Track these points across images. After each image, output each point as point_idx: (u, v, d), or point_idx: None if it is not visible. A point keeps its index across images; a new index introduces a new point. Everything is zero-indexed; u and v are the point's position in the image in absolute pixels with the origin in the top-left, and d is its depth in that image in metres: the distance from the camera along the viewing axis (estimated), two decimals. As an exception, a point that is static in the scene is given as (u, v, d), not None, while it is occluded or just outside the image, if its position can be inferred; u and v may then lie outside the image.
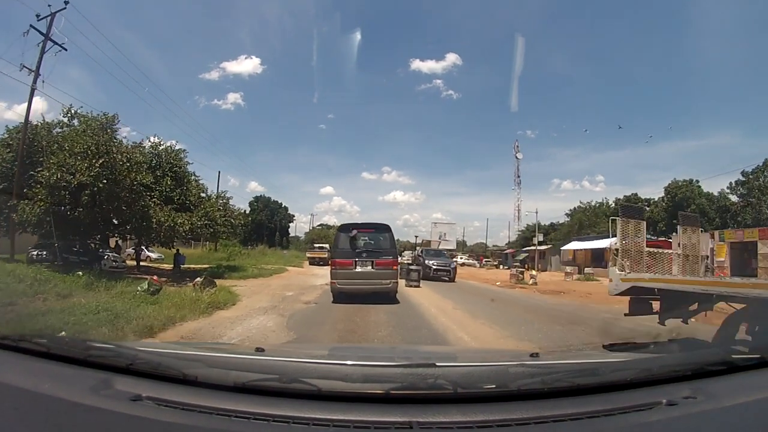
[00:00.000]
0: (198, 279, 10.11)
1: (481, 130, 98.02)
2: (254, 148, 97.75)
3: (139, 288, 9.01)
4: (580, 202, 50.81)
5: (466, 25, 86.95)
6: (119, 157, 13.18)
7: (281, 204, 67.28)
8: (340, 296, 9.55)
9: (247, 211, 64.35)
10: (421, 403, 1.07)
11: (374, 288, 9.24)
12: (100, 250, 17.15)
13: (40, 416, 1.00)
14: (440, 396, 1.10)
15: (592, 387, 1.19)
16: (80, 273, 11.22)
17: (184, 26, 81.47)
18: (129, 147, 14.69)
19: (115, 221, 14.70)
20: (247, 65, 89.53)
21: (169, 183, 16.54)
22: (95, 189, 12.71)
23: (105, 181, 12.85)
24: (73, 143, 12.81)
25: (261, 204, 65.52)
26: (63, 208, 13.12)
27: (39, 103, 22.99)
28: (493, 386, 1.15)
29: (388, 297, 9.74)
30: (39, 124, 15.26)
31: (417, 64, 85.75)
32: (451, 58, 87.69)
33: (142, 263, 20.64)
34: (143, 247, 21.00)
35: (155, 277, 9.42)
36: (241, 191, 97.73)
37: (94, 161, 12.55)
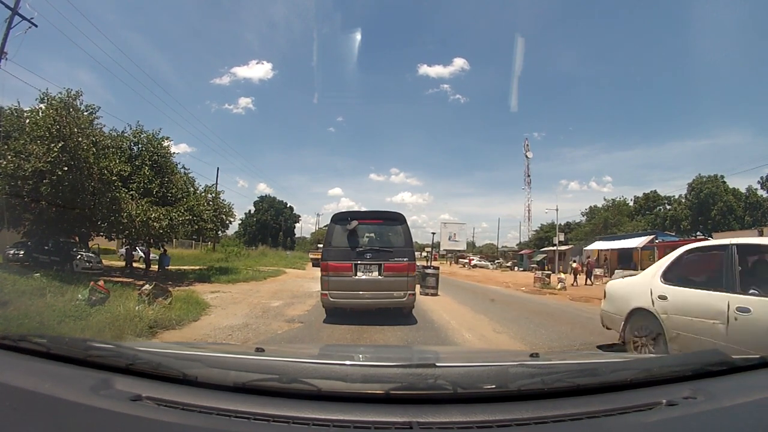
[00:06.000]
0: (146, 286, 7.72)
1: (489, 132, 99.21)
2: (264, 151, 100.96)
3: (80, 296, 7.43)
4: (605, 200, 48.09)
5: (474, 31, 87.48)
6: (83, 141, 11.00)
7: (286, 204, 65.98)
8: (335, 313, 6.91)
9: (252, 211, 63.28)
10: (421, 403, 1.09)
11: (382, 302, 6.85)
12: (74, 249, 15.13)
13: (40, 416, 1.02)
14: (440, 396, 1.12)
15: (592, 387, 1.21)
16: (38, 275, 10.17)
17: (198, 34, 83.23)
18: (97, 130, 12.49)
19: (82, 215, 12.63)
20: (258, 70, 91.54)
21: (147, 173, 14.25)
22: (54, 177, 10.59)
23: (66, 168, 10.72)
24: (34, 126, 10.91)
25: (266, 204, 64.03)
26: (24, 200, 12.19)
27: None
28: (493, 386, 1.17)
29: (402, 314, 7.04)
30: (8, 109, 13.22)
31: (425, 69, 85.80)
32: (459, 62, 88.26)
33: (133, 264, 18.59)
34: (137, 248, 18.98)
35: (101, 283, 7.12)
36: (249, 193, 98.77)
37: (52, 145, 10.52)
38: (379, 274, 7.02)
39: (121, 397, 1.07)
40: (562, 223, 46.48)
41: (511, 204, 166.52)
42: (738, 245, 3.86)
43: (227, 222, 20.28)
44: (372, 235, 7.49)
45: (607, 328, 5.37)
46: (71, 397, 1.06)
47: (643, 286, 4.64)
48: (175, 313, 6.93)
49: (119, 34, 69.25)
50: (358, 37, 65.30)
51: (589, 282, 21.63)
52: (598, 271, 23.71)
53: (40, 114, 11.98)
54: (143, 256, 20.81)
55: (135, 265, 19.76)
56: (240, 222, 59.97)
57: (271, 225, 63.79)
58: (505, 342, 6.39)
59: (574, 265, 23.57)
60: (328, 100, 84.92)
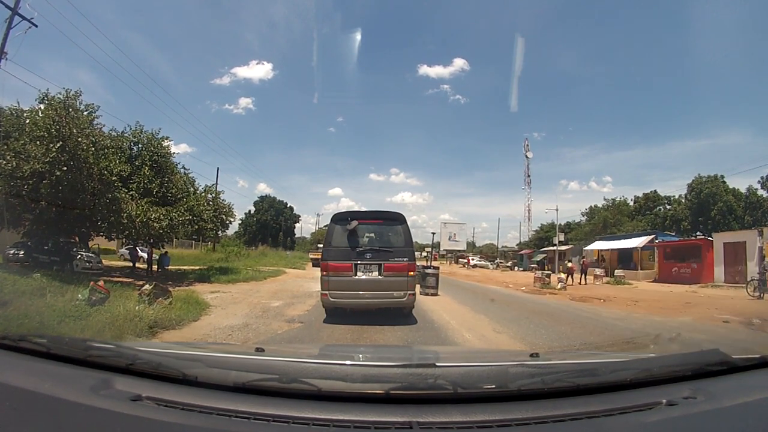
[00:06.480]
0: (146, 286, 7.73)
1: (489, 132, 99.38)
2: (264, 151, 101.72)
3: (80, 296, 7.44)
4: (605, 199, 48.08)
5: (474, 31, 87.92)
6: (83, 141, 11.00)
7: (286, 204, 66.08)
8: (335, 313, 6.91)
9: (252, 211, 63.34)
10: (421, 403, 1.09)
11: (382, 302, 6.83)
12: (74, 249, 15.14)
13: (40, 416, 1.02)
14: (440, 396, 1.12)
15: (592, 387, 1.21)
16: (38, 275, 10.23)
17: (198, 34, 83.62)
18: (97, 130, 12.50)
19: (82, 215, 12.63)
20: (258, 70, 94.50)
21: (147, 173, 14.25)
22: (53, 178, 10.59)
23: (65, 169, 10.72)
24: (34, 127, 10.93)
25: (266, 204, 64.00)
26: (24, 200, 12.24)
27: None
28: (493, 386, 1.17)
29: (402, 314, 7.04)
30: (8, 109, 13.24)
31: (425, 69, 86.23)
32: (459, 63, 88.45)
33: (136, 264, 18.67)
34: (137, 248, 18.98)
35: (101, 283, 7.12)
36: (249, 193, 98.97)
37: (51, 146, 10.49)
38: (379, 274, 7.01)
39: (121, 397, 1.08)
40: (562, 223, 46.43)
41: (511, 204, 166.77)
42: None
43: (227, 222, 20.27)
44: (372, 235, 7.47)
45: None
46: (71, 397, 1.06)
47: None
48: (175, 313, 6.93)
49: (119, 34, 69.24)
50: (358, 37, 65.31)
51: (583, 282, 21.84)
52: (598, 271, 23.77)
53: (40, 114, 11.98)
54: (143, 256, 20.84)
55: (138, 265, 19.80)
56: (240, 222, 60.05)
57: (271, 225, 63.74)
58: (505, 342, 6.40)
59: (569, 264, 23.92)
60: (328, 100, 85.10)
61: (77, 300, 7.13)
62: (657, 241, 27.92)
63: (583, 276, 22.50)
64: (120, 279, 13.30)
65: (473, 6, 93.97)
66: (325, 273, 7.01)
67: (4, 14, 13.90)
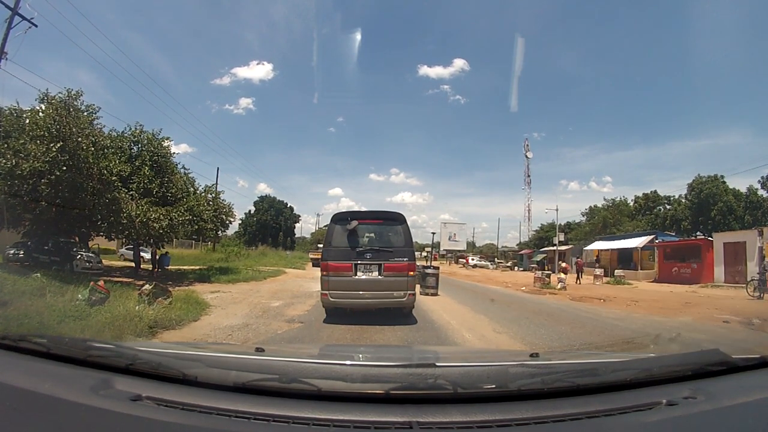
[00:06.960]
0: (146, 286, 7.72)
1: (489, 132, 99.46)
2: (264, 151, 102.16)
3: (80, 296, 7.47)
4: (604, 200, 48.10)
5: (474, 32, 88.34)
6: (83, 141, 11.01)
7: (286, 204, 66.09)
8: (335, 313, 6.91)
9: (252, 211, 63.36)
10: (421, 403, 1.10)
11: (382, 302, 6.81)
12: (74, 249, 15.16)
13: (40, 416, 1.02)
14: (440, 396, 1.13)
15: (592, 387, 1.21)
16: (38, 275, 10.16)
17: (198, 34, 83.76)
18: (97, 130, 12.49)
19: (82, 215, 12.63)
20: (258, 71, 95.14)
21: (147, 173, 14.25)
22: (52, 177, 10.59)
23: (65, 168, 10.73)
24: (34, 126, 10.94)
25: (266, 204, 64.01)
26: (24, 200, 12.21)
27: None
28: (493, 386, 1.17)
29: (402, 314, 7.04)
30: (8, 109, 13.24)
31: (425, 70, 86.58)
32: (459, 63, 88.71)
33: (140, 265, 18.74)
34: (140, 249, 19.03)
35: (101, 283, 7.12)
36: (249, 193, 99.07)
37: (51, 145, 10.49)
38: (379, 274, 7.01)
39: (121, 397, 1.08)
40: (562, 223, 46.40)
41: (511, 204, 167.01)
42: None
43: (227, 222, 20.25)
44: (372, 235, 7.46)
45: None
46: (71, 397, 1.06)
47: None
48: (175, 313, 6.93)
49: (119, 34, 69.28)
50: (358, 37, 65.34)
51: (578, 281, 22.05)
52: (597, 271, 23.80)
53: (41, 114, 11.98)
54: (144, 257, 20.81)
55: (142, 266, 19.81)
56: (240, 222, 59.99)
57: (271, 225, 63.70)
58: (505, 342, 6.39)
59: (563, 264, 24.60)
60: (328, 100, 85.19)
61: (77, 300, 7.13)
62: (657, 241, 27.93)
63: (578, 276, 22.66)
64: (120, 279, 13.29)
65: (473, 6, 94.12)
66: (325, 273, 7.01)
67: (4, 14, 13.90)
